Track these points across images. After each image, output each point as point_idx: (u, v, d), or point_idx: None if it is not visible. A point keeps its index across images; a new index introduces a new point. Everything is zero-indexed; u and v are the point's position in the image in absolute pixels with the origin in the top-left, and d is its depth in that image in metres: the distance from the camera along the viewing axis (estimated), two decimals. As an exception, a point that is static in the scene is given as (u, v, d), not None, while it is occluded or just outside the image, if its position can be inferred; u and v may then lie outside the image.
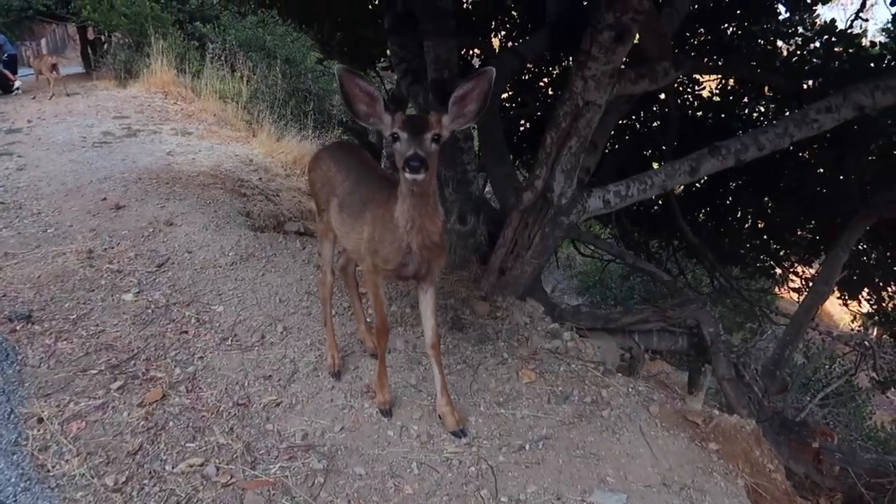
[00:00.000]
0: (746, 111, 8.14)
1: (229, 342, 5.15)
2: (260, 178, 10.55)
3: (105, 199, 8.02)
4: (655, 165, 9.04)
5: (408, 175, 3.15)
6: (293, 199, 10.46)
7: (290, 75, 15.30)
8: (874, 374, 7.52)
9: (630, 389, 4.63)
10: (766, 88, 7.82)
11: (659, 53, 5.29)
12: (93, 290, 5.89)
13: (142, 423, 4.18)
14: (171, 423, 4.19)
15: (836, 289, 9.44)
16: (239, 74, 15.75)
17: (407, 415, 4.33)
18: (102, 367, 4.75)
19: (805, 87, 7.23)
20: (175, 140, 11.87)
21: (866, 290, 8.79)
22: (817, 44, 7.48)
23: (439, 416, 4.23)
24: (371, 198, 4.07)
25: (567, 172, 5.23)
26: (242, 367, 4.81)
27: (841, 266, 6.55)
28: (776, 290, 9.69)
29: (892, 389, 8.53)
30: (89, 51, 20.43)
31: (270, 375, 4.71)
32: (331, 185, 4.47)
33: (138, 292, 5.87)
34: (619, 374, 4.80)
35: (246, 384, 4.63)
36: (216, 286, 6.01)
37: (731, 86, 8.03)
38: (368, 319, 5.16)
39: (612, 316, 5.93)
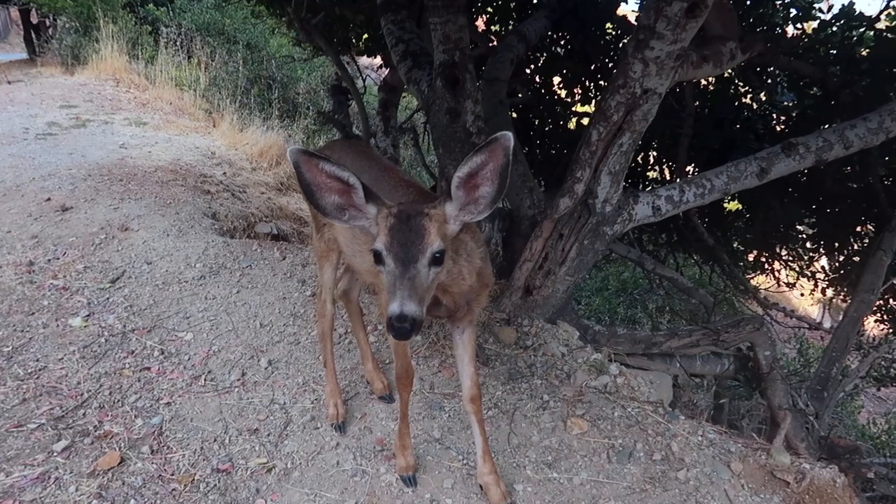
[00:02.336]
0: (765, 105, 7.28)
1: (202, 382, 4.12)
2: (224, 173, 9.39)
3: (49, 199, 6.80)
4: (652, 174, 8.18)
5: (391, 335, 2.28)
6: (262, 195, 9.34)
7: (251, 61, 14.00)
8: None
9: (701, 438, 3.71)
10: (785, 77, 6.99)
11: (724, 31, 4.36)
12: (33, 314, 4.79)
13: (94, 501, 3.17)
14: (132, 502, 3.18)
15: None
16: (196, 61, 14.41)
17: (436, 483, 3.34)
18: (43, 420, 3.76)
19: (832, 74, 6.39)
20: (129, 131, 10.58)
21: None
22: (835, 28, 6.65)
23: (480, 486, 3.25)
24: None
25: (614, 175, 4.26)
26: (221, 417, 3.79)
27: (885, 271, 5.80)
28: (779, 289, 8.89)
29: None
30: (33, 35, 18.64)
31: (257, 428, 3.69)
32: None
33: (88, 315, 4.79)
34: (682, 417, 3.87)
35: (227, 441, 3.61)
36: (182, 307, 4.93)
37: (746, 76, 7.14)
38: (384, 359, 4.14)
39: (655, 339, 5.02)
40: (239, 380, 4.11)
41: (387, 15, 5.48)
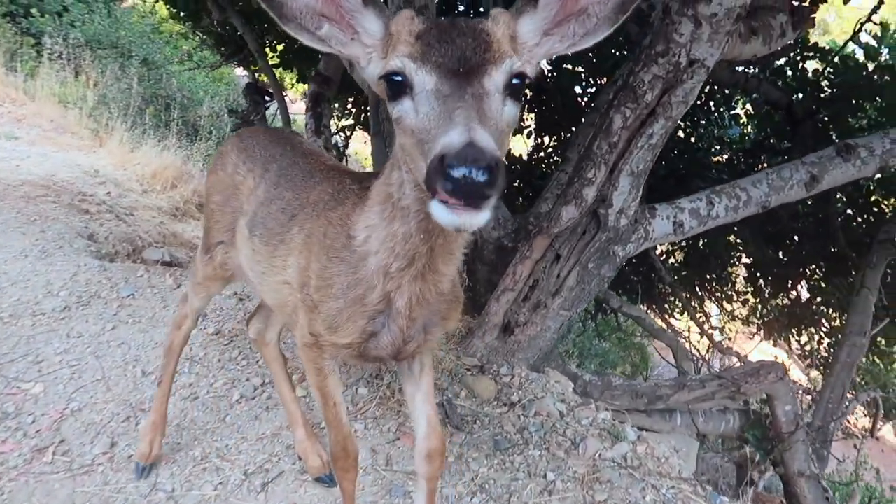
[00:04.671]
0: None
1: (49, 457, 2.77)
2: (108, 193, 7.84)
3: None
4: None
5: (456, 215, 1.19)
6: (153, 219, 7.83)
7: (148, 79, 12.37)
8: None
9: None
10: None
11: (773, 0, 3.47)
12: None
13: None
14: None
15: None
16: (85, 77, 12.65)
17: None
18: None
19: (796, 99, 5.79)
20: (-6, 144, 8.83)
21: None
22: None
23: None
24: (306, 202, 2.12)
25: (636, 176, 3.21)
26: (74, 516, 2.44)
27: (872, 309, 5.09)
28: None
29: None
30: None
31: (129, 533, 2.36)
32: (238, 197, 2.41)
33: None
34: (726, 499, 2.81)
35: (79, 556, 2.26)
36: (34, 347, 3.54)
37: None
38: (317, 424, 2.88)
39: (660, 392, 3.94)
40: (105, 453, 2.79)
41: None
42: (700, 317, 7.04)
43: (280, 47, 8.10)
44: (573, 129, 6.75)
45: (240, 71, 14.47)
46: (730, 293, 8.47)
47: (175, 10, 7.94)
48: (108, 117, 11.56)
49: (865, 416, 6.12)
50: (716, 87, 6.31)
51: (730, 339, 9.20)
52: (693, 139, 6.72)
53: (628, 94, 3.16)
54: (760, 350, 9.42)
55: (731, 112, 6.97)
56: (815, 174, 3.62)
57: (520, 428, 3.07)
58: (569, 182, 3.35)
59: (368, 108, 6.26)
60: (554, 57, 1.34)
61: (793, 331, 7.77)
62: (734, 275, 8.27)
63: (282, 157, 2.33)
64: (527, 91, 7.10)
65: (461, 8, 7.38)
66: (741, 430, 4.48)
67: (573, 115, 6.59)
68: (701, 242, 7.31)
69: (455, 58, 1.30)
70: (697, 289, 8.33)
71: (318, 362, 2.01)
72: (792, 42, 5.17)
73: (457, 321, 2.07)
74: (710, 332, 7.05)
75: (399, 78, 1.34)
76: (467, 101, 1.24)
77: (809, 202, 6.27)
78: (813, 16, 3.77)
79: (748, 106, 7.20)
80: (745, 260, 7.84)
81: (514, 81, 1.35)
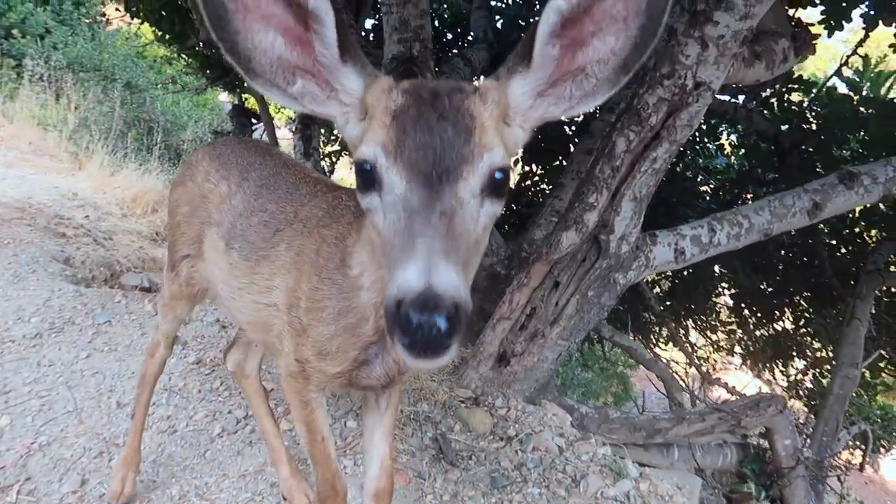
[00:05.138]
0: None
1: (14, 496, 2.59)
2: (87, 216, 7.61)
3: None
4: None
5: (415, 359, 1.08)
6: (132, 244, 7.60)
7: (131, 102, 12.17)
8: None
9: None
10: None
11: (776, 24, 3.41)
12: None
13: None
14: None
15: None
16: (66, 100, 12.44)
17: None
18: None
19: (783, 130, 5.79)
20: (-31, 166, 8.60)
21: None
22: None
23: None
24: (294, 217, 1.97)
25: (638, 202, 3.10)
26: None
27: (863, 341, 5.01)
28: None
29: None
30: None
31: (98, 582, 2.16)
32: (206, 207, 2.25)
33: None
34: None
35: None
36: (1, 376, 3.40)
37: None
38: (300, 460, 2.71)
39: (658, 426, 3.78)
40: (75, 492, 2.58)
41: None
42: (687, 347, 6.92)
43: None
44: (560, 156, 6.72)
45: (224, 97, 14.34)
46: (714, 323, 8.43)
47: (161, 33, 7.80)
48: (88, 140, 11.37)
49: (853, 449, 6.02)
50: (703, 117, 6.30)
51: (714, 368, 9.13)
52: (679, 168, 6.69)
53: (632, 117, 3.06)
54: (739, 381, 9.37)
55: (716, 142, 6.99)
56: (817, 202, 3.54)
57: (517, 464, 2.90)
58: (569, 207, 3.23)
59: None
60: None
61: (777, 361, 7.73)
62: (718, 305, 8.24)
63: (261, 167, 2.18)
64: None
65: (449, 36, 7.38)
66: (739, 464, 4.34)
67: (561, 142, 6.56)
68: (686, 272, 7.27)
69: (429, 159, 1.16)
70: (682, 318, 8.28)
71: (303, 394, 1.85)
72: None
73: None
74: (699, 362, 6.92)
75: (370, 168, 1.21)
76: (433, 224, 1.12)
77: (793, 232, 6.26)
78: (814, 42, 3.74)
79: (732, 137, 7.24)
80: (729, 290, 7.81)
81: (497, 176, 1.21)
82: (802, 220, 3.63)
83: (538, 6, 6.77)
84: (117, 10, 15.67)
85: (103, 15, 13.99)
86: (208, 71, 8.03)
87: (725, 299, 8.27)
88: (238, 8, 1.20)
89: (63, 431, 2.93)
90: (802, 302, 6.93)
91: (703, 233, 3.44)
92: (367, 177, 1.21)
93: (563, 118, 1.37)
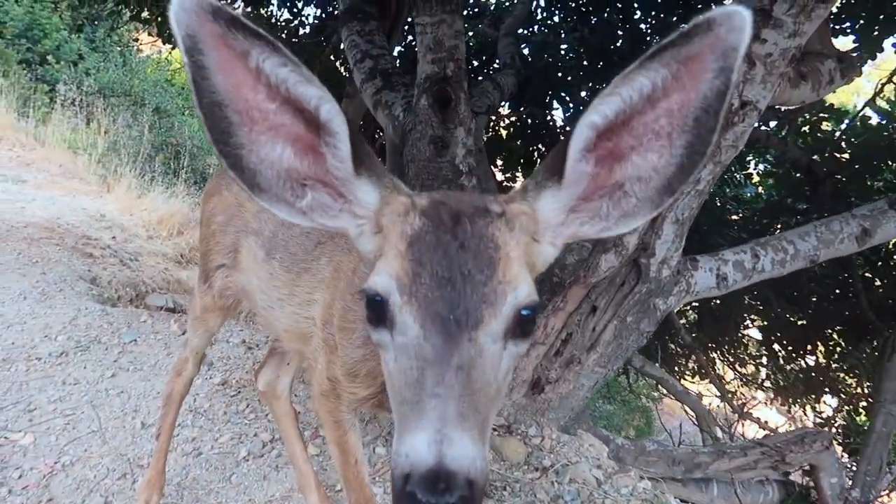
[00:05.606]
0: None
1: (35, 519, 2.45)
2: (114, 237, 7.65)
3: None
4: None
5: None
6: (157, 265, 7.60)
7: (159, 127, 12.34)
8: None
9: None
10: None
11: (822, 45, 3.34)
12: None
13: None
14: None
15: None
16: (96, 124, 12.64)
17: None
18: None
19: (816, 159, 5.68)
20: (1, 186, 8.69)
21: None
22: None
23: None
24: (331, 232, 1.85)
25: (680, 224, 3.01)
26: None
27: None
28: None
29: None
30: None
31: None
32: (243, 216, 2.20)
33: None
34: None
35: None
36: (26, 395, 3.27)
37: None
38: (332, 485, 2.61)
39: (698, 460, 3.63)
40: (100, 517, 2.48)
41: (351, 24, 4.16)
42: (717, 380, 6.74)
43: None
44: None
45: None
46: (742, 356, 8.22)
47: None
48: (117, 164, 11.53)
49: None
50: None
51: (745, 403, 8.90)
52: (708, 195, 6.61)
53: None
54: (767, 418, 9.14)
55: (745, 172, 6.88)
56: (866, 228, 3.41)
57: (554, 496, 2.77)
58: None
59: (386, 153, 6.20)
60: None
61: (808, 397, 7.50)
62: (746, 337, 8.04)
63: None
64: (540, 146, 7.11)
65: (475, 63, 7.39)
66: (781, 503, 4.16)
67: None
68: (714, 302, 7.12)
69: (447, 300, 1.04)
70: (710, 350, 8.09)
71: (335, 414, 1.77)
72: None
73: None
74: (730, 396, 6.72)
75: (380, 301, 1.09)
76: (448, 382, 0.99)
77: (824, 264, 6.12)
78: (860, 65, 3.66)
79: (759, 166, 7.13)
80: (759, 322, 7.62)
81: (524, 314, 1.08)
82: (850, 246, 3.49)
83: (563, 34, 6.79)
84: (149, 34, 16.02)
85: (136, 40, 14.26)
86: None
87: (754, 332, 8.08)
88: (244, 120, 1.08)
89: (87, 451, 2.86)
90: (836, 336, 6.73)
91: (746, 258, 3.32)
92: (378, 310, 1.10)
93: (599, 238, 1.24)
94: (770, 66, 2.74)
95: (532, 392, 3.33)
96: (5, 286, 4.56)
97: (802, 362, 7.12)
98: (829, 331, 6.72)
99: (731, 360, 8.43)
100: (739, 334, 7.96)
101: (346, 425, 1.79)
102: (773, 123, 5.78)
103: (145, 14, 7.17)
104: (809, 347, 6.85)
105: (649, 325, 3.24)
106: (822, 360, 7.00)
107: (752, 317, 7.68)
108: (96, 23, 15.09)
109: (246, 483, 2.75)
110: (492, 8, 7.28)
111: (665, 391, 6.95)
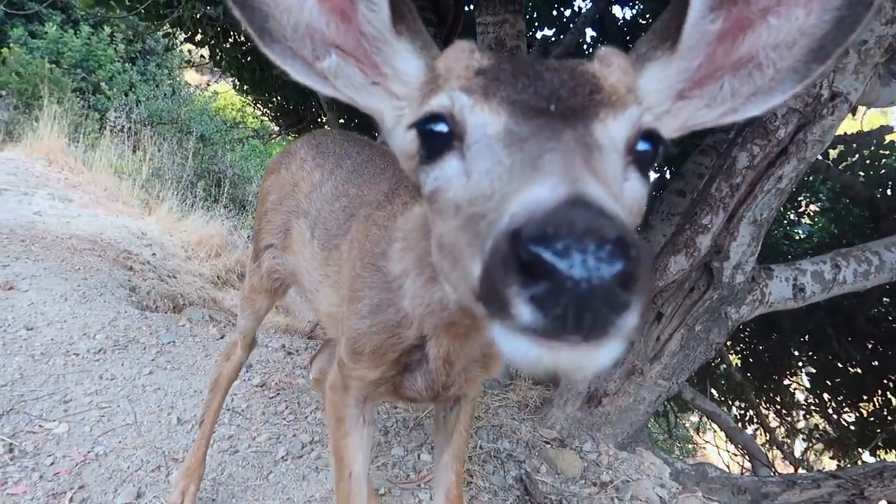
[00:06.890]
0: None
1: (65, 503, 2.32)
2: (153, 254, 7.69)
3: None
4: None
5: (553, 354, 0.57)
6: (194, 282, 7.57)
7: (202, 154, 12.55)
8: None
9: None
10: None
11: None
12: None
13: None
14: None
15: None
16: (142, 152, 12.94)
17: None
18: None
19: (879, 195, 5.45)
20: (48, 203, 8.85)
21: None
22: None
23: None
24: (363, 201, 1.73)
25: (758, 226, 2.82)
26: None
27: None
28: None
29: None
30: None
31: None
32: (296, 196, 2.07)
33: None
34: None
35: None
36: (62, 386, 3.17)
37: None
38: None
39: (767, 489, 3.33)
40: (130, 504, 2.33)
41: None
42: (767, 423, 6.40)
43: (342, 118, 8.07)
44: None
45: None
46: (789, 403, 7.83)
47: (239, 83, 8.03)
48: (159, 189, 11.73)
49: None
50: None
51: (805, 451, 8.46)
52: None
53: (757, 130, 2.75)
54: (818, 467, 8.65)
55: (798, 211, 6.62)
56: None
57: (614, 514, 2.56)
58: (678, 229, 2.94)
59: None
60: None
61: (861, 449, 7.07)
62: (794, 384, 7.66)
63: (358, 155, 2.01)
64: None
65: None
66: (850, 542, 3.85)
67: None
68: (761, 345, 6.82)
69: (542, 95, 0.80)
70: (754, 396, 7.72)
71: (339, 409, 1.56)
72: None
73: (499, 369, 1.52)
74: (781, 440, 6.37)
75: (442, 127, 0.84)
76: (566, 143, 0.73)
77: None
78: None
79: (812, 206, 6.87)
80: (808, 366, 7.27)
81: (643, 147, 0.84)
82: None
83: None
84: (196, 70, 16.43)
85: (187, 61, 14.59)
86: (280, 119, 8.16)
87: (803, 378, 7.71)
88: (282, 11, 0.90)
89: (121, 443, 2.73)
90: (893, 382, 6.36)
91: (825, 269, 3.07)
92: (436, 140, 0.84)
93: (716, 126, 0.97)
94: (864, 54, 2.56)
95: (588, 405, 3.09)
96: (47, 288, 4.52)
97: (856, 411, 6.72)
98: (890, 376, 6.34)
99: (778, 407, 8.05)
100: (786, 382, 7.60)
101: (349, 425, 1.57)
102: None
103: (199, 37, 7.28)
104: (865, 395, 6.47)
105: (719, 335, 3.00)
106: (879, 407, 6.60)
107: (801, 360, 7.33)
108: (148, 57, 15.59)
109: (284, 482, 2.59)
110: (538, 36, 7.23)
111: (716, 427, 6.56)
